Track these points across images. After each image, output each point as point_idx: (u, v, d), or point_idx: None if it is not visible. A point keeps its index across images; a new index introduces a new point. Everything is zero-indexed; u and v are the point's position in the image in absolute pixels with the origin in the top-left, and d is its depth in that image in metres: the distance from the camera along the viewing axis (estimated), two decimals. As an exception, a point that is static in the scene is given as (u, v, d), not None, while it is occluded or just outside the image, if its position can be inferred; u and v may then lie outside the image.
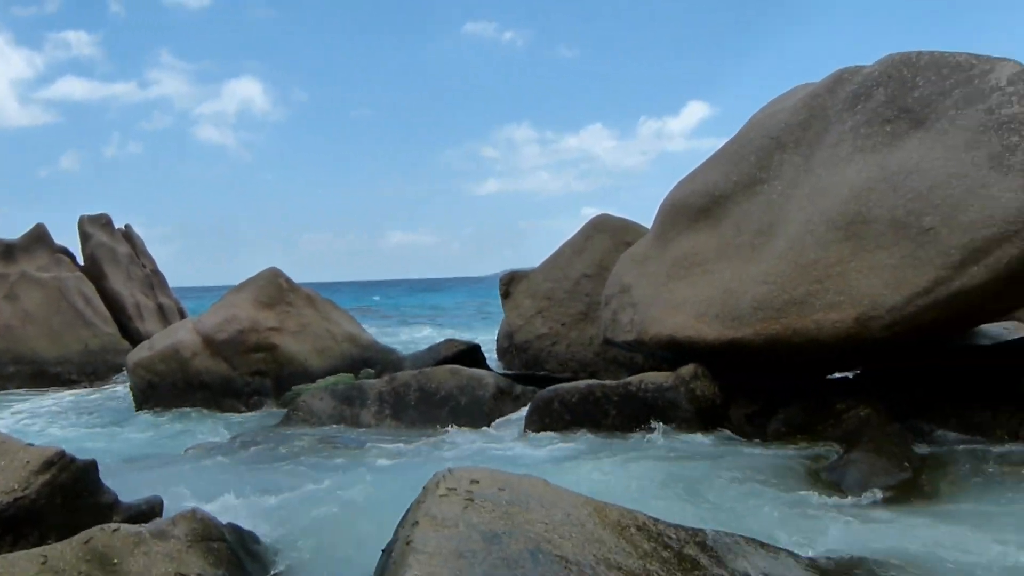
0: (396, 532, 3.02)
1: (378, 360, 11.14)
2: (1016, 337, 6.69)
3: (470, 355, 9.65)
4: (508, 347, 11.62)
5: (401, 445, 6.56)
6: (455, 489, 3.11)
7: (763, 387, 6.77)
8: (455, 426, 7.16)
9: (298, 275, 12.93)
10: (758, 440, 6.16)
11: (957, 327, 6.05)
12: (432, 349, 10.10)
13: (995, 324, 7.98)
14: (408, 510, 3.07)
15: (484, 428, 6.97)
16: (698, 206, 7.35)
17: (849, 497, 4.62)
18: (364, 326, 12.59)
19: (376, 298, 53.42)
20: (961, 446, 5.61)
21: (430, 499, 3.03)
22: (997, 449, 5.57)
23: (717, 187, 7.25)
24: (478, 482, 3.19)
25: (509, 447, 6.19)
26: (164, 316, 17.42)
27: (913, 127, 5.97)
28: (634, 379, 6.59)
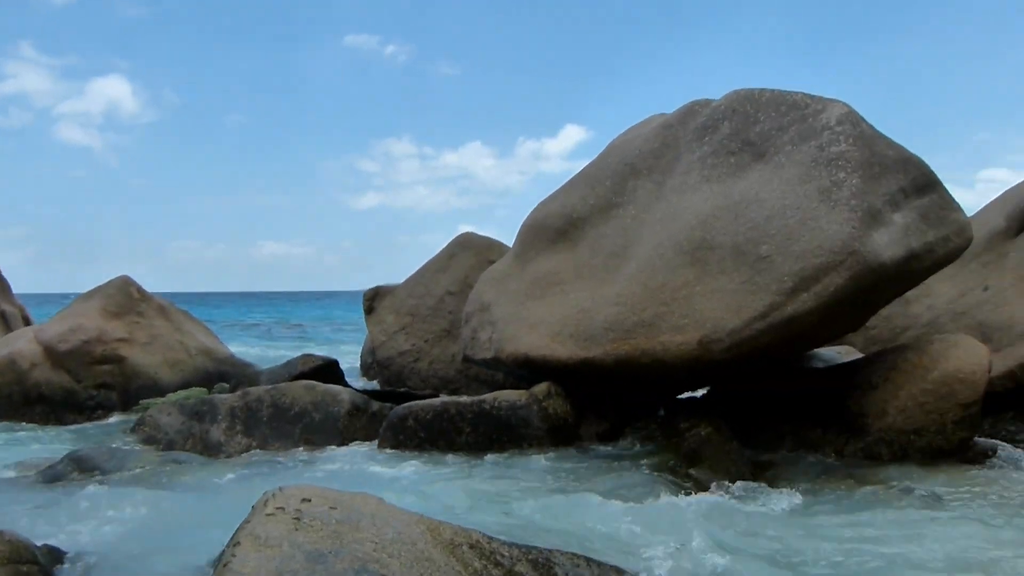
0: (221, 553, 2.93)
1: (234, 374, 10.77)
2: (845, 361, 7.13)
3: (327, 370, 9.47)
4: (371, 363, 11.50)
5: (249, 463, 6.37)
6: (283, 508, 3.05)
7: (615, 406, 6.97)
8: (308, 443, 7.01)
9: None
10: (607, 457, 6.31)
11: (792, 350, 6.38)
12: (289, 364, 9.85)
13: (829, 348, 8.50)
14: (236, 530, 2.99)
15: (336, 446, 6.85)
16: (557, 227, 7.51)
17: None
18: (231, 340, 12.16)
19: (247, 311, 51.78)
20: (791, 465, 5.94)
21: (256, 519, 2.96)
22: (828, 462, 5.95)
23: (575, 209, 7.44)
24: (309, 500, 3.13)
25: (360, 465, 6.11)
26: (6, 323, 16.30)
27: (755, 159, 6.31)
28: (488, 397, 6.64)
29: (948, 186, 6.19)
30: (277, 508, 3.04)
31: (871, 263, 5.43)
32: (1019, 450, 6.11)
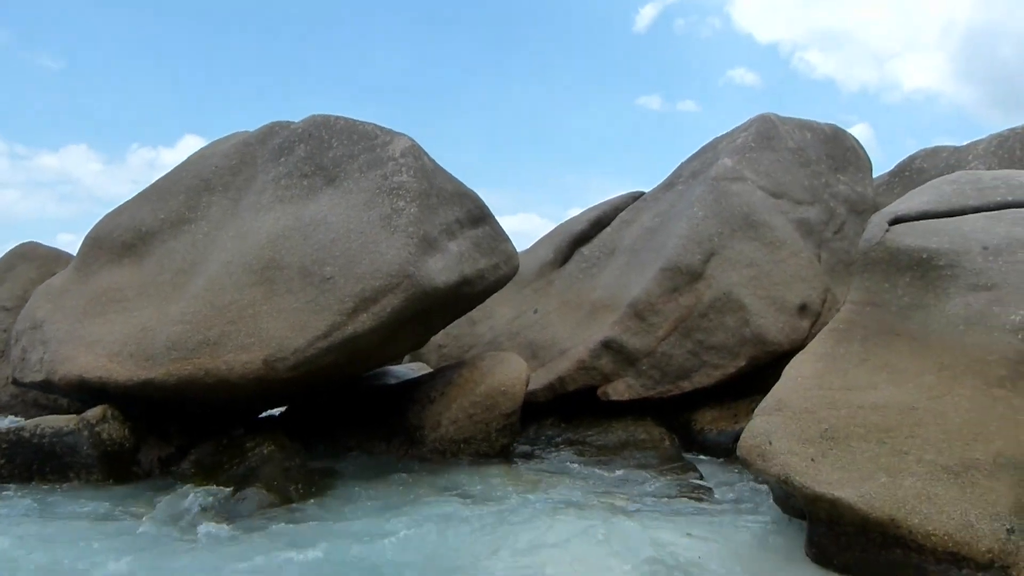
0: None
1: None
2: (412, 377, 7.60)
3: None
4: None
5: None
6: None
7: (183, 428, 6.69)
8: None
9: None
10: (162, 485, 6.02)
11: (358, 367, 6.65)
12: None
13: (405, 365, 9.01)
14: None
15: None
16: (124, 241, 7.05)
17: (228, 529, 4.76)
18: None
19: None
20: (351, 478, 6.18)
21: None
22: (387, 473, 6.26)
23: (144, 223, 7.05)
24: None
25: None
26: None
27: (327, 184, 6.51)
28: (29, 424, 6.00)
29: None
30: None
31: (425, 286, 5.87)
32: (551, 450, 6.98)
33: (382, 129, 6.65)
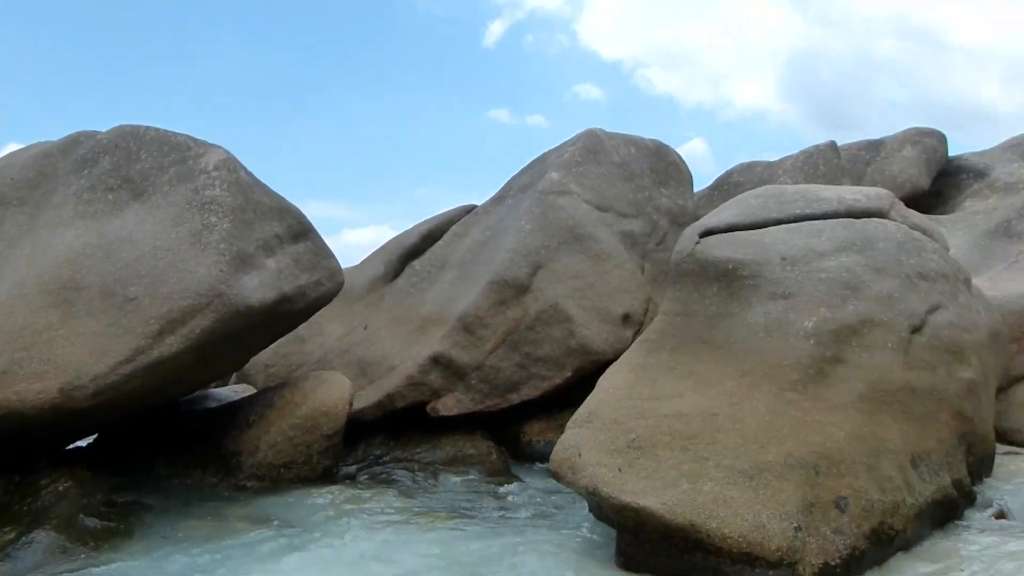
0: None
1: None
2: (230, 401, 7.27)
3: None
4: None
5: None
6: None
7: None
8: None
9: None
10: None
11: (170, 393, 6.30)
12: None
13: (228, 388, 8.64)
14: None
15: None
16: (-99, 261, 6.39)
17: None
18: None
19: None
20: (164, 504, 5.83)
21: None
22: (202, 503, 5.94)
23: (-74, 241, 6.41)
24: None
25: None
26: None
27: (133, 198, 6.14)
28: None
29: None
30: None
31: (238, 305, 5.62)
32: (378, 469, 6.86)
33: (195, 141, 6.34)
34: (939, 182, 10.64)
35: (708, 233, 6.00)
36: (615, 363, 5.24)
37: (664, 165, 9.47)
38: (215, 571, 4.42)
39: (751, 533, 3.84)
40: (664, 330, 5.39)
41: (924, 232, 6.57)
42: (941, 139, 10.74)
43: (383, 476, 6.62)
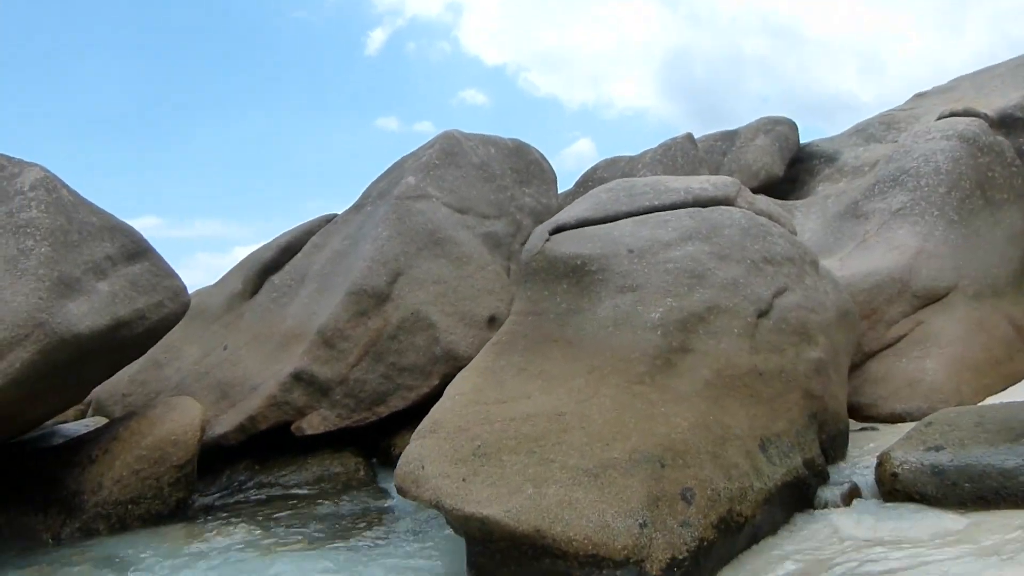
0: None
1: None
2: (75, 436, 6.82)
3: None
4: None
5: None
6: None
7: None
8: None
9: None
10: None
11: (-3, 433, 5.84)
12: None
13: (80, 422, 8.13)
14: None
15: None
16: None
17: None
18: None
19: None
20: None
21: None
22: (42, 549, 5.53)
23: None
24: None
25: None
26: None
27: (-59, 226, 5.65)
28: None
29: None
30: None
31: (63, 334, 5.24)
32: (238, 496, 6.54)
33: (10, 159, 5.90)
34: (794, 169, 10.98)
35: (559, 230, 5.96)
36: (464, 369, 5.11)
37: (525, 164, 9.44)
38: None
39: (596, 534, 3.77)
40: (515, 331, 5.30)
41: (770, 217, 6.72)
42: (792, 127, 11.09)
43: (242, 505, 6.32)
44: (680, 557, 3.85)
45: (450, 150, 8.69)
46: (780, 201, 9.78)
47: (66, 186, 5.90)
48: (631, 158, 10.67)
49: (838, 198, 9.43)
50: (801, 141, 11.24)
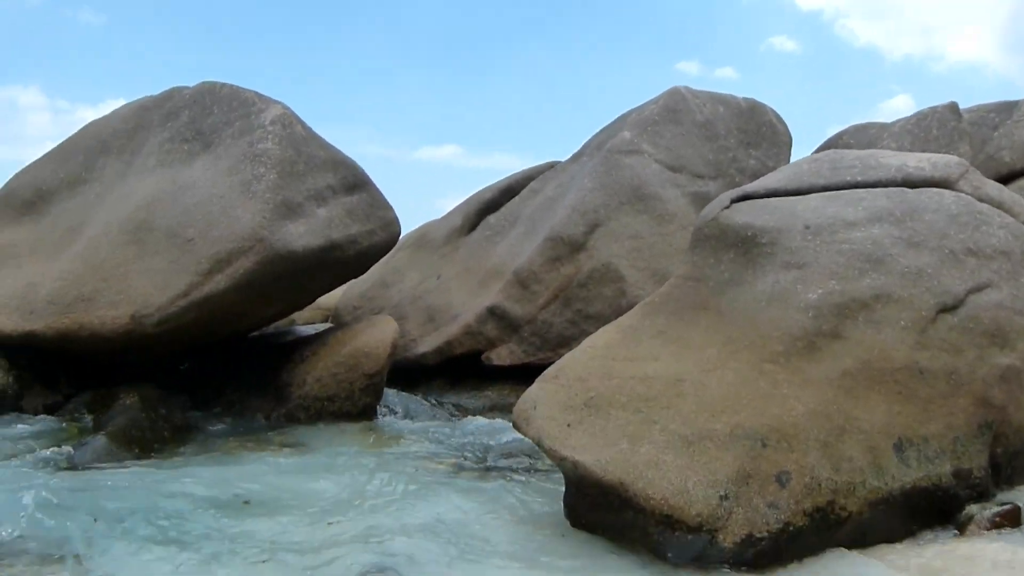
0: None
1: None
2: (297, 337, 7.88)
3: None
4: None
5: None
6: None
7: (72, 378, 7.06)
8: None
9: None
10: (50, 428, 6.39)
11: (232, 326, 6.95)
12: None
13: (309, 326, 9.31)
14: None
15: None
16: (25, 199, 7.40)
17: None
18: None
19: None
20: (219, 426, 6.54)
21: None
22: (253, 425, 6.59)
23: (45, 182, 7.38)
24: None
25: None
26: None
27: (204, 149, 6.78)
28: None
29: None
30: None
31: (280, 250, 6.13)
32: (421, 410, 7.26)
33: (260, 97, 6.88)
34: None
35: (745, 198, 5.87)
36: (610, 323, 5.30)
37: (756, 125, 9.16)
38: (227, 476, 4.94)
39: (673, 497, 3.88)
40: (670, 293, 5.37)
41: (998, 206, 6.09)
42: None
43: (421, 418, 7.03)
44: (758, 536, 3.85)
45: (674, 107, 8.67)
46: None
47: (301, 122, 6.78)
48: (882, 125, 9.90)
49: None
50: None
